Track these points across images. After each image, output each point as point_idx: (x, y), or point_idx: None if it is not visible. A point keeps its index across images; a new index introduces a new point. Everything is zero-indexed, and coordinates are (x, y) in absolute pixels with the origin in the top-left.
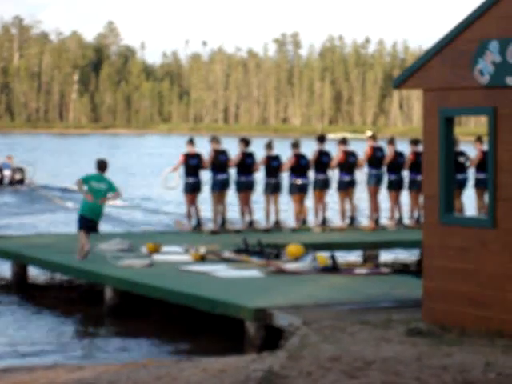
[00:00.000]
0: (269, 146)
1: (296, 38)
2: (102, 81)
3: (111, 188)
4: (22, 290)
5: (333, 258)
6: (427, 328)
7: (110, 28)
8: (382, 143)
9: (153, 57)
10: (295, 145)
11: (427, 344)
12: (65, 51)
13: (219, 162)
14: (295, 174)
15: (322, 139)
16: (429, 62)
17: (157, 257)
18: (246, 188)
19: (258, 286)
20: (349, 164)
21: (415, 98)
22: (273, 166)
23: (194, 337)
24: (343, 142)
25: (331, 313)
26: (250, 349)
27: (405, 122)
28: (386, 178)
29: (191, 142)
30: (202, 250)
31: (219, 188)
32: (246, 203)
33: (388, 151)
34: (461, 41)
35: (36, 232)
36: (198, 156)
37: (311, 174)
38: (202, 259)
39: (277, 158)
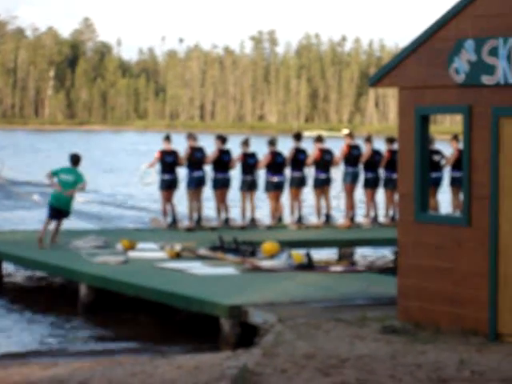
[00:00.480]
0: (245, 143)
1: (272, 36)
2: (77, 77)
3: (78, 179)
4: None
5: (308, 255)
6: (402, 326)
7: (86, 24)
8: (359, 141)
9: (129, 53)
10: (272, 142)
11: (402, 342)
12: (41, 47)
13: (196, 159)
14: (271, 171)
15: (298, 137)
16: (404, 60)
17: (132, 254)
18: (222, 185)
19: (233, 283)
20: (325, 162)
21: (391, 96)
22: (249, 163)
23: (168, 334)
24: (319, 139)
25: (306, 310)
26: (224, 346)
27: (381, 120)
28: (362, 176)
29: (168, 138)
30: (178, 247)
31: (195, 185)
32: (222, 200)
33: (365, 149)
34: (437, 39)
35: (9, 228)
36: (174, 153)
37: (287, 172)
38: (178, 256)
39: (253, 156)
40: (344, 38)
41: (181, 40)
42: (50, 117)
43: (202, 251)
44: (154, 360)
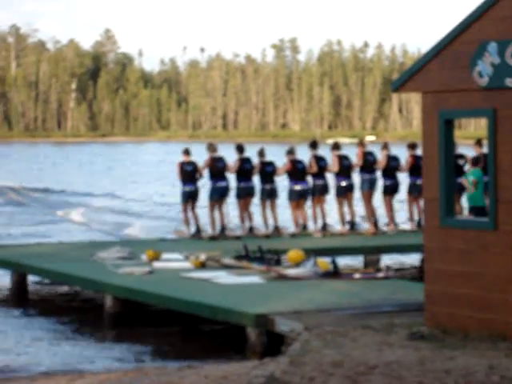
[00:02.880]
0: (261, 153)
1: (294, 43)
2: (99, 89)
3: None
4: (22, 299)
5: (334, 262)
6: (429, 332)
7: (107, 36)
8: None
9: (151, 64)
10: (290, 151)
11: (429, 348)
12: (62, 60)
13: (217, 168)
14: (294, 179)
15: (314, 145)
16: (427, 64)
17: (157, 264)
18: (246, 194)
19: (258, 292)
20: (344, 168)
21: (414, 101)
22: (267, 171)
23: (195, 344)
24: (336, 146)
25: (333, 318)
26: (251, 355)
27: (405, 126)
28: (380, 183)
29: (187, 152)
30: (203, 257)
31: (219, 195)
32: (245, 209)
33: (381, 156)
34: (459, 43)
35: (34, 241)
36: (193, 163)
37: (310, 180)
38: (203, 266)
39: (271, 164)
40: (366, 44)
41: (202, 49)
42: (73, 129)
43: (227, 260)
44: (181, 370)
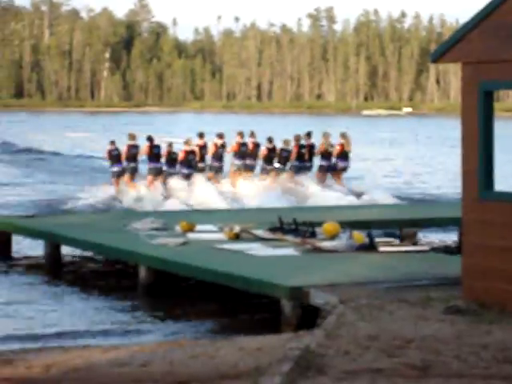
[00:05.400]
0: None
1: (330, 13)
2: (133, 58)
3: None
4: (56, 270)
5: (370, 235)
6: (466, 306)
7: (141, 4)
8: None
9: (185, 33)
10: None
11: (466, 322)
12: (96, 28)
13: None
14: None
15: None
16: (468, 34)
17: (191, 235)
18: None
19: (293, 264)
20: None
21: (452, 72)
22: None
23: (229, 316)
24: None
25: (368, 291)
26: (286, 328)
27: (442, 98)
28: None
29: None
30: (237, 229)
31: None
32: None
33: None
34: (502, 12)
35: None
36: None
37: None
38: (237, 237)
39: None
40: (403, 14)
41: (237, 19)
42: (106, 99)
43: (262, 232)
44: (216, 342)
